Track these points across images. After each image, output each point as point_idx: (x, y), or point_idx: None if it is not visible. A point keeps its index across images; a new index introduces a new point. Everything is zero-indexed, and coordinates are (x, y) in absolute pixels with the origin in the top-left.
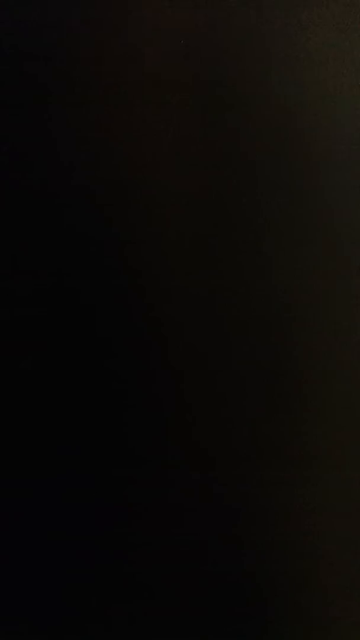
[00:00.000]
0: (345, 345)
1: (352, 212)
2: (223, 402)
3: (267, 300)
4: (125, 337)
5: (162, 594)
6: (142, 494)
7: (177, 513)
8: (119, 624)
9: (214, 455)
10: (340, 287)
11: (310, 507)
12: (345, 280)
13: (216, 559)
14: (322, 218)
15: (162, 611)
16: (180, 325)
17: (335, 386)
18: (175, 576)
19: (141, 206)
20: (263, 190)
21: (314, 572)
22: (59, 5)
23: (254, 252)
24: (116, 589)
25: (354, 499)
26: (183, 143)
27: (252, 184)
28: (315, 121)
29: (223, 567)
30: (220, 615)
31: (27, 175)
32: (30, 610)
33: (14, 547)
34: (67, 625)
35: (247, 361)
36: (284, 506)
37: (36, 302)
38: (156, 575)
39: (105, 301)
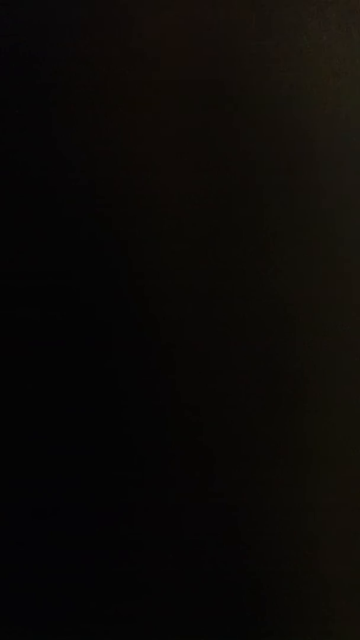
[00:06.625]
0: (347, 346)
1: (353, 213)
2: (224, 402)
3: (268, 299)
4: (125, 337)
5: (162, 593)
6: (141, 493)
7: (177, 512)
8: (119, 624)
9: (215, 454)
10: (341, 288)
11: (310, 507)
12: (347, 281)
13: (216, 559)
14: (324, 218)
15: (162, 611)
16: (181, 325)
17: (336, 387)
18: (175, 576)
19: (141, 206)
20: (264, 190)
21: (314, 572)
22: (59, 5)
23: (254, 252)
24: (116, 588)
25: (354, 499)
26: (184, 143)
27: (252, 185)
28: (317, 121)
29: (223, 567)
30: (220, 615)
31: (26, 175)
32: (30, 610)
33: (14, 547)
34: (67, 625)
35: (248, 361)
36: (285, 506)
37: (35, 301)
38: (156, 575)
39: (105, 301)
